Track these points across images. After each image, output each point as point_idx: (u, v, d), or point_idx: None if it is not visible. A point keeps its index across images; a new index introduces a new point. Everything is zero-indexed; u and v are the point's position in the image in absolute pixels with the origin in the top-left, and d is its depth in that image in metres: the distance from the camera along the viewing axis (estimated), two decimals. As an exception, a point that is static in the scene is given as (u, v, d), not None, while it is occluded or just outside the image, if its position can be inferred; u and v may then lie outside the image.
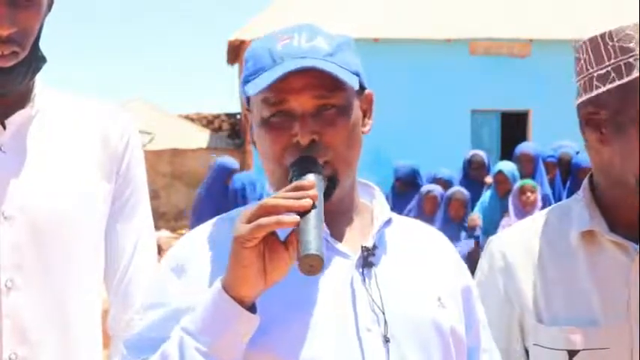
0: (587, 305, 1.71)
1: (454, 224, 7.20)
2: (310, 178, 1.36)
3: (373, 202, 1.56)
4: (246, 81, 1.46)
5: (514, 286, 1.77)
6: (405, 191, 8.48)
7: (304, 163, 1.39)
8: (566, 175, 7.98)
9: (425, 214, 7.35)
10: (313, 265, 1.26)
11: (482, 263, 1.84)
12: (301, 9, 17.78)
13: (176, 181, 18.58)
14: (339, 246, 1.46)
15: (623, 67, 1.68)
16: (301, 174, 1.37)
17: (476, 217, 7.30)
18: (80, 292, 1.80)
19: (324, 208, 1.38)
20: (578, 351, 1.68)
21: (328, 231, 1.45)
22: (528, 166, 7.69)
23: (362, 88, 1.50)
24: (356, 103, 1.47)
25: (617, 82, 1.68)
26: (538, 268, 1.76)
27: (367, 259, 1.45)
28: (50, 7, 1.79)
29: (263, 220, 1.28)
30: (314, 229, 1.28)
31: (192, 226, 7.49)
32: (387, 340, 1.40)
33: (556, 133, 11.56)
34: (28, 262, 1.73)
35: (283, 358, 1.37)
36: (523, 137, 15.94)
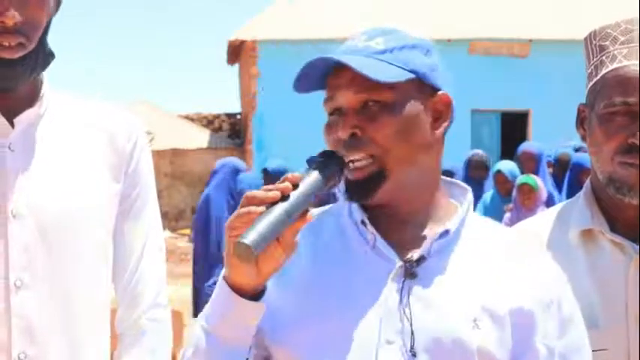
0: (586, 306, 1.67)
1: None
2: (312, 173, 1.38)
3: (459, 208, 1.52)
4: None
5: None
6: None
7: (321, 157, 1.41)
8: (563, 175, 7.98)
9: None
10: (243, 254, 1.28)
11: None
12: (302, 9, 17.77)
13: (176, 181, 18.60)
14: (388, 250, 1.44)
15: (599, 66, 1.71)
16: (311, 167, 1.40)
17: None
18: (88, 291, 1.80)
19: (374, 207, 1.44)
20: None
21: (376, 233, 1.45)
22: (530, 165, 7.69)
23: (434, 89, 1.48)
24: (415, 102, 1.45)
25: (594, 80, 1.72)
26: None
27: (410, 270, 1.42)
28: (58, 7, 1.79)
29: (240, 210, 1.33)
30: (265, 221, 1.30)
31: (197, 229, 7.46)
32: (413, 355, 1.38)
33: (556, 133, 11.57)
34: (37, 260, 1.73)
35: (298, 357, 1.39)
36: (523, 137, 15.95)
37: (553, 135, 12.16)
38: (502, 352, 1.41)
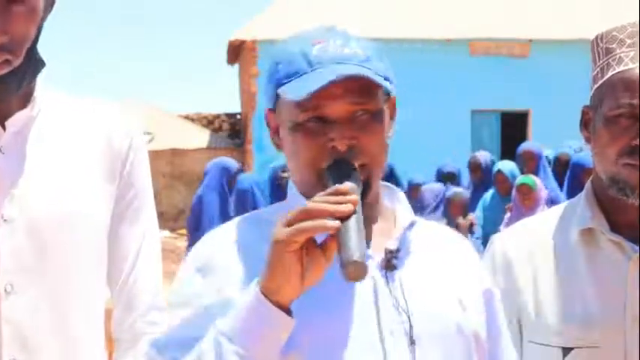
0: (583, 304, 1.72)
1: (454, 224, 7.25)
2: (347, 184, 1.35)
3: (397, 206, 1.55)
4: (279, 84, 1.45)
5: (513, 283, 1.80)
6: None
7: (340, 168, 1.39)
8: (563, 175, 8.00)
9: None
10: (358, 272, 1.25)
11: (485, 261, 1.85)
12: (302, 9, 17.78)
13: (175, 181, 18.60)
14: None
15: (605, 68, 1.73)
16: (338, 178, 1.37)
17: (471, 217, 7.36)
18: (82, 295, 1.77)
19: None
20: (572, 348, 1.70)
21: None
22: (531, 164, 7.72)
23: (389, 93, 1.50)
24: (385, 108, 1.48)
25: (599, 82, 1.74)
26: (537, 267, 1.78)
27: (390, 262, 1.44)
28: (52, 6, 1.74)
29: (306, 224, 1.27)
30: (356, 235, 1.27)
31: (190, 229, 7.48)
32: (412, 342, 1.40)
33: (556, 133, 11.58)
34: (28, 265, 1.70)
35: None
36: (523, 137, 15.97)
37: (553, 135, 12.16)
38: (484, 333, 1.50)
